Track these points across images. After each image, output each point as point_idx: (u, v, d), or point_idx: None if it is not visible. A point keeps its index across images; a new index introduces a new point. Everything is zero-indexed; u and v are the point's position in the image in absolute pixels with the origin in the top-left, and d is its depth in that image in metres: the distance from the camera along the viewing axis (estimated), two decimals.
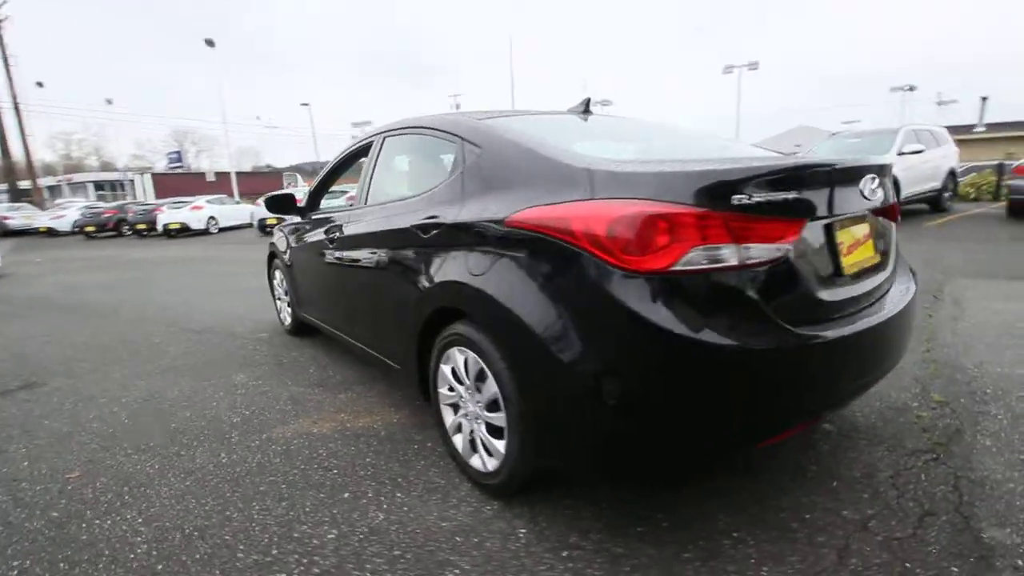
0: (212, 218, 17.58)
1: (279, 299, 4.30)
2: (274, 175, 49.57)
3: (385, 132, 2.70)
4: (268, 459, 2.27)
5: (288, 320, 4.12)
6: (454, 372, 1.99)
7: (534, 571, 1.55)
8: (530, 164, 1.69)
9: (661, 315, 1.31)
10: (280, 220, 4.40)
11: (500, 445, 1.79)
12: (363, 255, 2.53)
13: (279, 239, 3.97)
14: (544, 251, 1.51)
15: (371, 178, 2.70)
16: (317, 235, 3.21)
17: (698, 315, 1.32)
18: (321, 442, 2.40)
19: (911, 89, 40.23)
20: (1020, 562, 1.49)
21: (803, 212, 1.43)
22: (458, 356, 1.92)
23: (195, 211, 17.24)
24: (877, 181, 1.68)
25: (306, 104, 38.91)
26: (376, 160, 2.70)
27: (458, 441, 2.05)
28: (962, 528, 1.64)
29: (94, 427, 2.70)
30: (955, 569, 1.48)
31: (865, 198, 1.61)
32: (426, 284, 2.01)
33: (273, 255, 4.22)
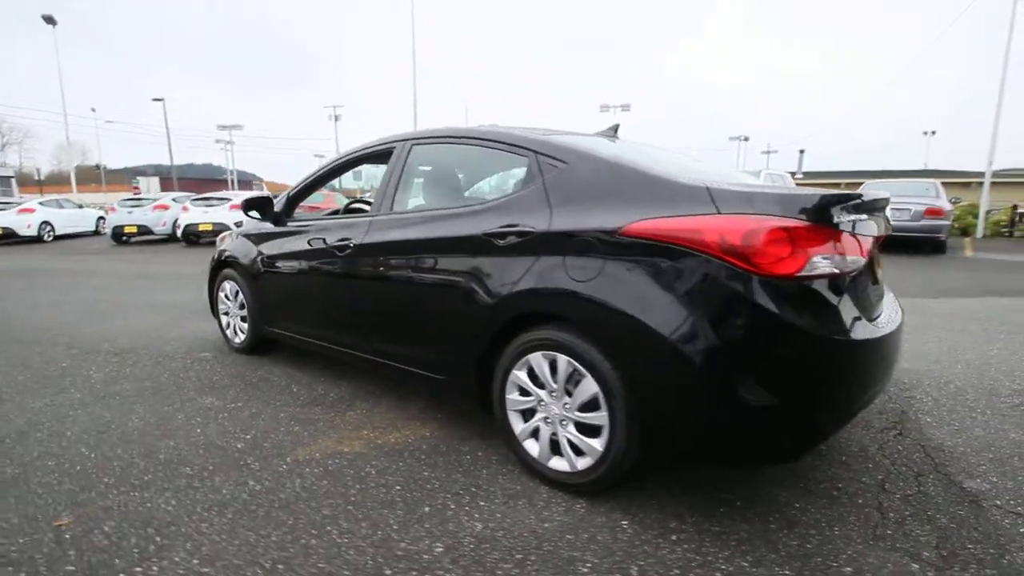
0: (46, 223, 14.72)
1: (227, 314, 3.86)
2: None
3: (411, 140, 2.66)
4: (312, 482, 2.08)
5: (242, 337, 3.72)
6: (532, 377, 2.04)
7: (657, 556, 1.66)
8: (635, 181, 1.84)
9: (794, 314, 1.55)
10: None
11: (596, 443, 1.88)
12: (399, 263, 2.46)
13: (239, 248, 3.59)
14: (668, 258, 1.67)
15: (397, 185, 2.63)
16: (309, 243, 3.00)
17: (819, 313, 1.58)
18: (361, 460, 2.25)
19: (746, 139, 47.79)
20: (999, 502, 1.96)
21: (871, 231, 1.78)
22: (541, 360, 1.98)
23: (24, 214, 14.30)
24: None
25: (159, 99, 34.51)
26: (403, 167, 2.64)
27: (531, 446, 2.09)
28: (947, 483, 2.10)
29: (50, 465, 2.22)
30: (961, 512, 1.90)
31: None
32: (502, 291, 2.04)
33: (222, 265, 3.79)
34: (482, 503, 1.95)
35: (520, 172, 2.22)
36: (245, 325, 3.67)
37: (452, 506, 1.93)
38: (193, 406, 2.85)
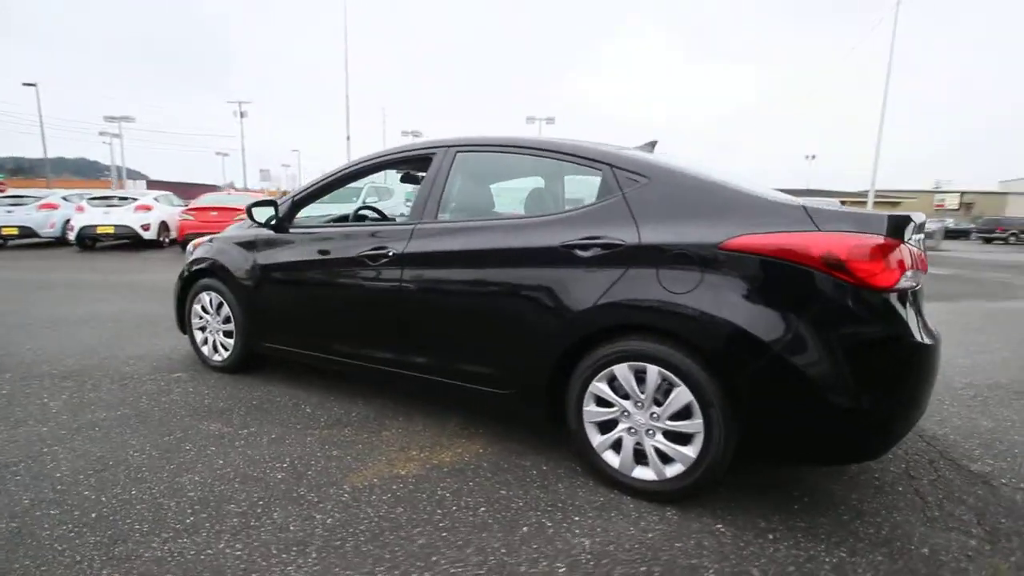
0: None
1: (203, 329, 3.46)
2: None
3: (455, 147, 2.57)
4: (387, 510, 1.94)
5: (224, 354, 3.35)
6: (614, 388, 2.05)
7: (767, 556, 1.73)
8: (727, 198, 1.93)
9: (888, 322, 1.70)
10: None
11: (688, 450, 1.92)
12: (457, 274, 2.36)
13: (226, 256, 3.24)
14: (773, 272, 1.77)
15: (441, 193, 2.53)
16: (326, 252, 2.80)
17: (905, 321, 1.75)
18: (427, 483, 2.13)
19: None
20: (1004, 481, 2.27)
21: (925, 249, 2.00)
22: (627, 371, 2.00)
23: None
24: None
25: (32, 84, 30.05)
26: (447, 175, 2.54)
27: (611, 457, 2.09)
28: (957, 467, 2.39)
29: (54, 515, 1.87)
30: (980, 491, 2.18)
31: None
32: (585, 302, 2.04)
33: (199, 275, 3.40)
34: (576, 518, 1.92)
35: (592, 185, 2.23)
36: (230, 341, 3.32)
37: (548, 523, 1.88)
38: (198, 434, 2.53)
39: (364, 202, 9.23)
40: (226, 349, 3.37)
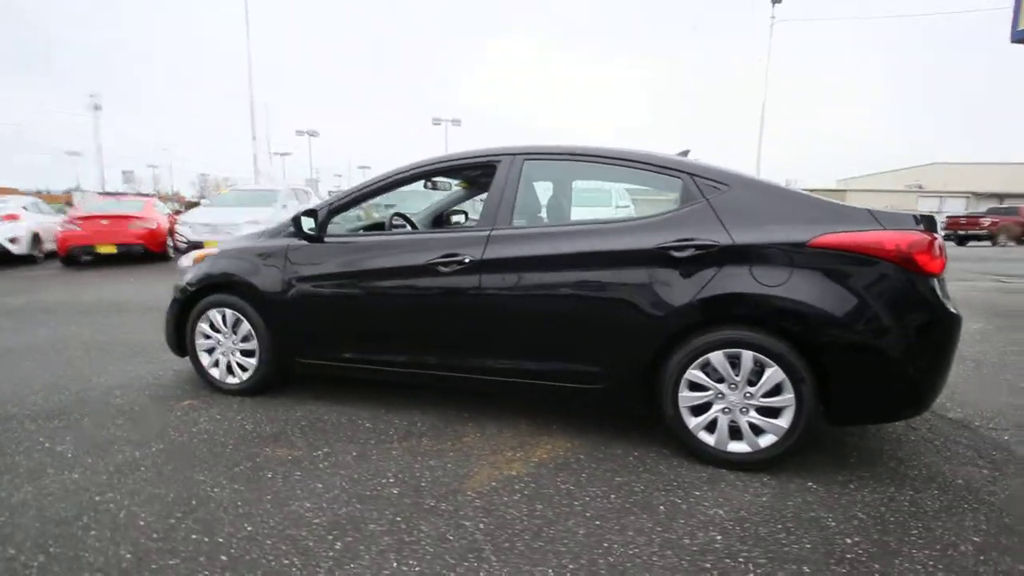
0: None
1: (211, 351, 3.15)
2: None
3: (522, 155, 2.65)
4: (529, 509, 2.00)
5: (244, 376, 3.09)
6: (707, 373, 2.28)
7: (858, 501, 2.07)
8: (805, 203, 2.25)
9: (941, 300, 2.12)
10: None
11: (781, 422, 2.21)
12: (546, 278, 2.45)
13: (245, 267, 2.99)
14: (853, 264, 2.11)
15: (514, 200, 2.59)
16: (381, 260, 2.73)
17: (946, 299, 2.17)
18: (545, 480, 2.21)
19: None
20: (977, 423, 2.85)
21: None
22: (722, 358, 2.24)
23: None
24: None
25: None
26: (517, 182, 2.61)
27: (705, 437, 2.32)
28: (940, 417, 2.95)
29: (177, 566, 1.68)
30: (966, 434, 2.72)
31: None
32: (683, 298, 2.25)
33: (206, 291, 3.10)
34: (696, 493, 2.13)
35: (671, 192, 2.45)
36: (251, 361, 3.07)
37: (678, 501, 2.07)
38: (268, 461, 2.36)
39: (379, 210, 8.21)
40: (244, 370, 3.11)
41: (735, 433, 2.30)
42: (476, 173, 3.07)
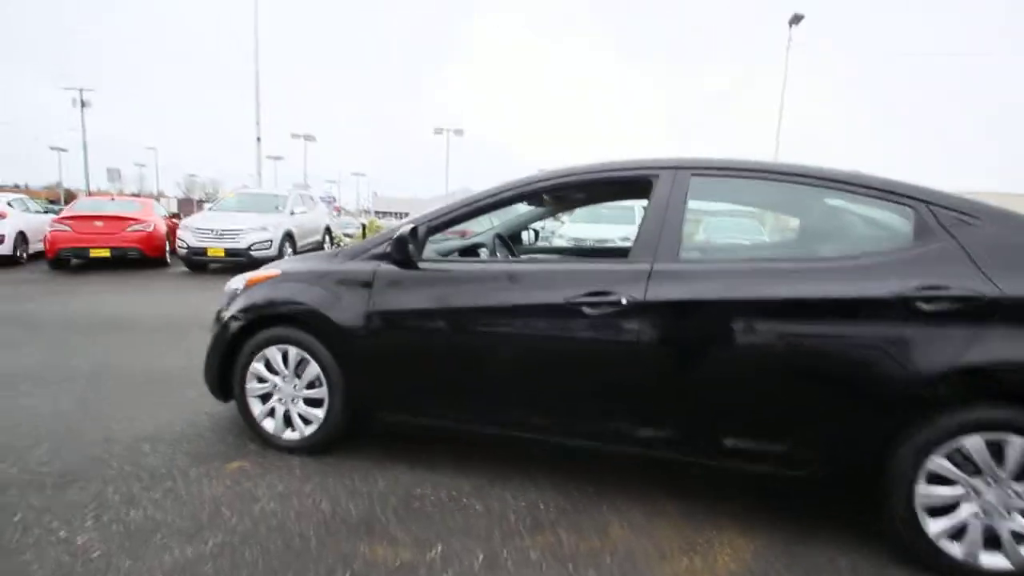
0: None
1: (265, 397, 2.54)
2: None
3: (688, 169, 2.11)
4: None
5: (308, 430, 2.48)
6: (957, 464, 1.75)
7: None
8: None
9: None
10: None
11: None
12: (735, 330, 1.90)
13: (322, 296, 2.39)
14: None
15: (680, 226, 2.05)
16: (506, 295, 2.17)
17: None
18: None
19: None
20: None
21: None
22: (980, 444, 1.71)
23: None
24: None
25: None
26: (683, 203, 2.07)
27: (950, 546, 1.77)
28: None
29: None
30: None
31: None
32: (931, 365, 1.72)
33: (265, 322, 2.50)
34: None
35: (896, 224, 1.94)
36: (318, 412, 2.46)
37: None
38: (366, 567, 1.75)
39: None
40: (307, 423, 2.50)
41: (992, 543, 1.76)
42: (625, 189, 2.53)
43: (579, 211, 10.71)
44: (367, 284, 2.37)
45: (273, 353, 2.50)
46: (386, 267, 2.36)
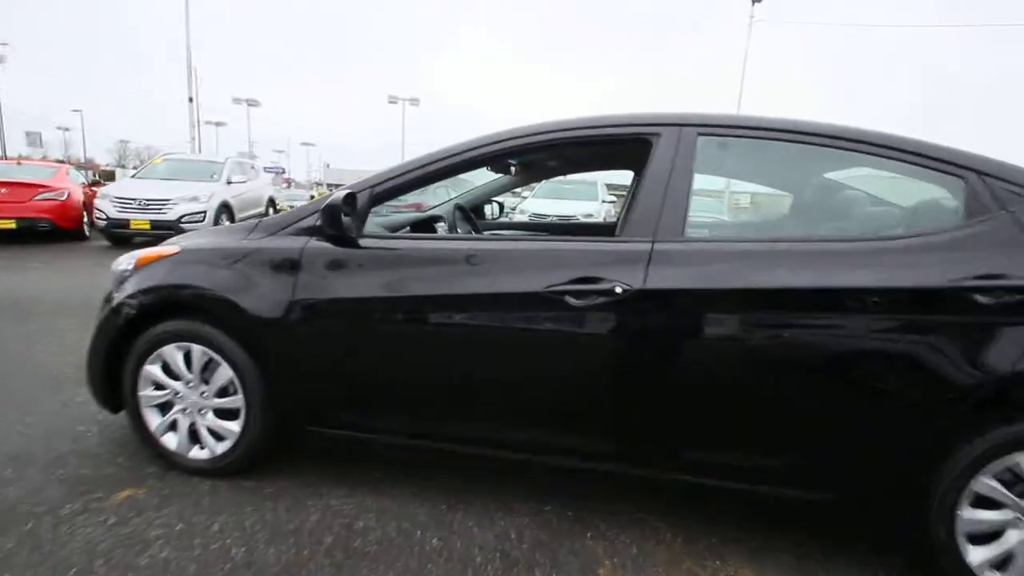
0: None
1: (164, 407, 2.02)
2: None
3: (694, 126, 1.70)
4: None
5: (221, 447, 1.99)
6: (1008, 485, 1.47)
7: None
8: None
9: None
10: None
11: None
12: (760, 326, 1.55)
13: (234, 279, 1.88)
14: None
15: (687, 196, 1.65)
16: (470, 280, 1.73)
17: None
18: None
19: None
20: None
21: None
22: None
23: None
24: None
25: None
26: (690, 169, 1.67)
27: None
28: None
29: None
30: None
31: None
32: (986, 368, 1.42)
33: (161, 312, 1.97)
34: None
35: (942, 199, 1.60)
36: (232, 425, 1.97)
37: None
38: None
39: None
40: (219, 439, 2.01)
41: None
42: (608, 151, 2.11)
43: (540, 186, 10.31)
44: (292, 265, 1.87)
45: (172, 353, 1.97)
46: (317, 244, 1.87)
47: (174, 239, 2.25)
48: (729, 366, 1.59)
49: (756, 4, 18.01)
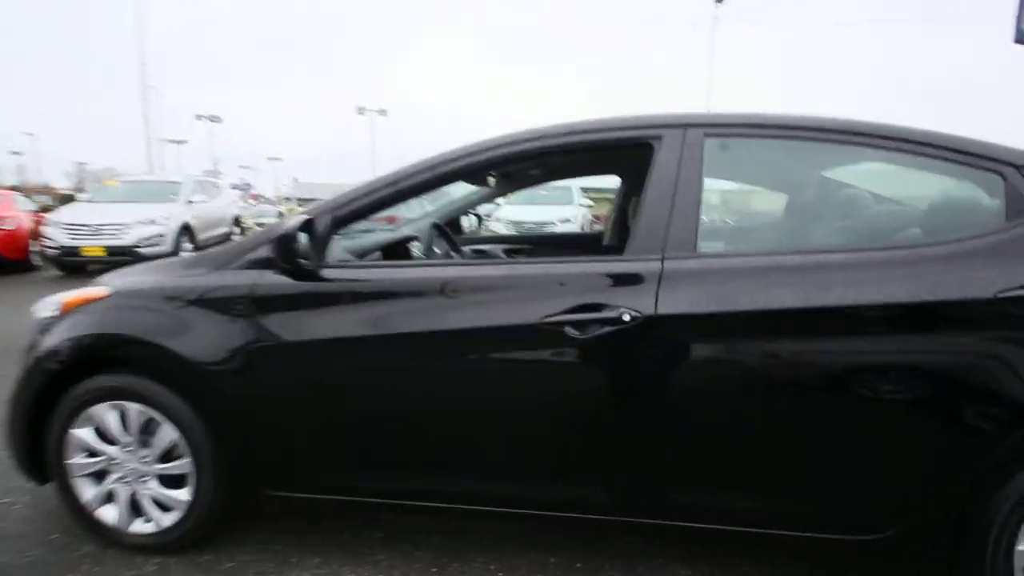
0: None
1: (98, 475, 1.72)
2: None
3: (699, 127, 1.50)
4: None
5: (168, 520, 1.69)
6: None
7: None
8: None
9: None
10: None
11: None
12: (790, 353, 1.35)
13: (174, 325, 1.60)
14: None
15: (698, 206, 1.45)
16: (449, 314, 1.49)
17: None
18: None
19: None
20: None
21: None
22: None
23: None
24: None
25: None
26: (699, 175, 1.46)
27: None
28: None
29: None
30: None
31: None
32: None
33: (91, 366, 1.67)
34: None
35: (975, 197, 1.44)
36: (181, 494, 1.68)
37: None
38: None
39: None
40: (166, 509, 1.71)
41: None
42: (603, 158, 1.90)
43: (515, 193, 10.11)
44: (243, 305, 1.60)
45: (104, 413, 1.67)
46: (271, 278, 1.60)
47: (105, 277, 1.95)
48: (767, 399, 1.38)
49: (719, 4, 18.25)
